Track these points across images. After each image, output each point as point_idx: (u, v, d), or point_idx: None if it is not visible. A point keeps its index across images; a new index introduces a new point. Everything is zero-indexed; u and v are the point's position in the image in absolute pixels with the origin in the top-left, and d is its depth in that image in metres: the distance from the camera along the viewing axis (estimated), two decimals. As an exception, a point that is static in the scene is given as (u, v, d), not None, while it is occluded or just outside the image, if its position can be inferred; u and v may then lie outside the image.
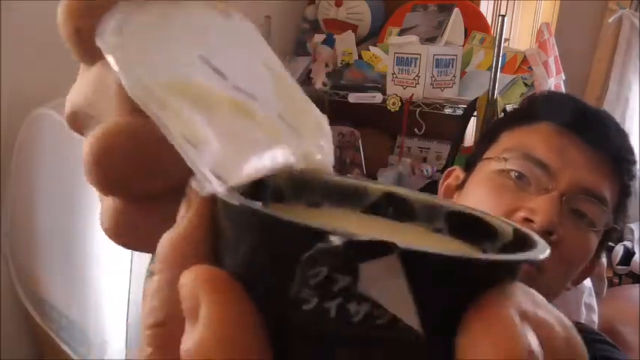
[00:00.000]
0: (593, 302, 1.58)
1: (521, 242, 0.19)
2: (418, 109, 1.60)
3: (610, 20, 2.07)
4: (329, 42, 1.86)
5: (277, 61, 0.21)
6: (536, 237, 0.18)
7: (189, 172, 0.17)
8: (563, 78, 1.63)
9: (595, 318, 1.57)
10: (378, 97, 1.64)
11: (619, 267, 2.09)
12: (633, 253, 2.08)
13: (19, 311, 1.40)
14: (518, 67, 1.59)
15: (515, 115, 0.73)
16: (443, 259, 0.13)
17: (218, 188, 0.16)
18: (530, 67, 1.55)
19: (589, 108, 0.71)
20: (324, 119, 0.22)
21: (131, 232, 0.21)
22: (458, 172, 0.73)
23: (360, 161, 1.78)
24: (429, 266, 0.13)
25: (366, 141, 1.78)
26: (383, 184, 0.23)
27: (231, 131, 0.18)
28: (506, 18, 1.44)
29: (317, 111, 0.22)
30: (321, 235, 0.13)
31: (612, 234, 0.67)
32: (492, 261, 0.15)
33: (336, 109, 2.01)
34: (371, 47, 1.81)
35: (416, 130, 1.69)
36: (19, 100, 1.30)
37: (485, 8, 1.99)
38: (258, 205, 0.15)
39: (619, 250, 2.10)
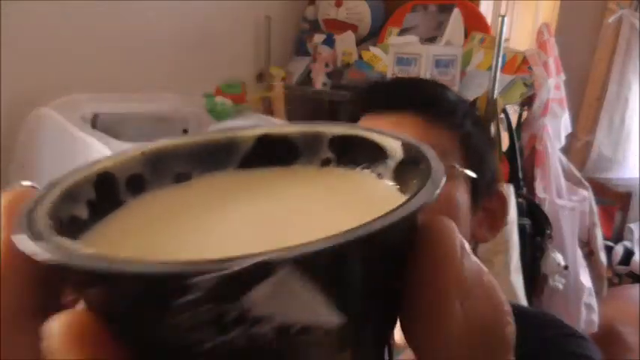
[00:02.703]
0: (593, 302, 1.58)
1: (413, 157, 0.18)
2: (418, 109, 1.59)
3: (610, 20, 2.06)
4: (329, 42, 1.86)
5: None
6: (425, 149, 0.17)
7: None
8: (563, 78, 1.62)
9: (595, 318, 1.57)
10: (378, 97, 1.64)
11: (619, 267, 2.09)
12: (633, 253, 2.08)
13: (19, 311, 1.40)
14: (518, 67, 1.59)
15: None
16: (329, 249, 0.12)
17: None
18: (530, 67, 1.54)
19: (386, 83, 0.77)
20: None
21: None
22: None
23: (360, 161, 1.77)
24: (321, 260, 0.12)
25: (366, 141, 1.78)
26: (253, 128, 0.20)
27: None
28: (506, 18, 1.44)
29: None
30: (184, 279, 0.11)
31: (478, 183, 0.65)
32: (389, 224, 0.13)
33: (336, 109, 2.01)
34: (371, 47, 1.81)
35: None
36: (19, 100, 1.30)
37: (485, 8, 1.99)
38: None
39: (619, 250, 2.10)
